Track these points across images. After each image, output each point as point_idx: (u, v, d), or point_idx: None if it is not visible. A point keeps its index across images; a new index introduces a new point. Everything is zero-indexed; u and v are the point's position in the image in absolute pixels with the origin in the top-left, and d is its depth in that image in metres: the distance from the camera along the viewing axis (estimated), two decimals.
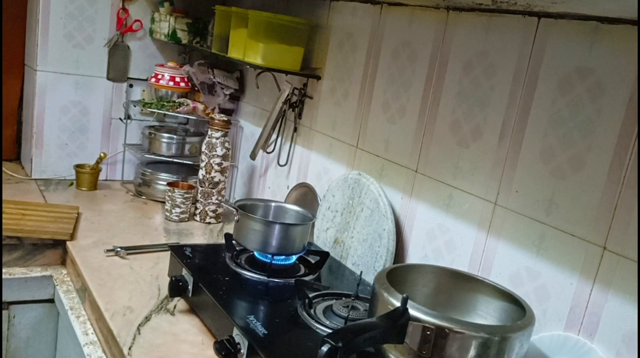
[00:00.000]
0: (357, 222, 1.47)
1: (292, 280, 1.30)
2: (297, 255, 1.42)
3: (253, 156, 1.92)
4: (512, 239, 1.16)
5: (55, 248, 1.63)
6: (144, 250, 1.61)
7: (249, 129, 2.09)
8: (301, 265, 1.44)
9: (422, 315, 0.90)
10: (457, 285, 1.13)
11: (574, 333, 1.04)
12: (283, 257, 1.39)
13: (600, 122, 1.01)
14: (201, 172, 1.87)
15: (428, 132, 1.36)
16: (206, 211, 1.89)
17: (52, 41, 2.02)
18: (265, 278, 1.32)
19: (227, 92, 2.08)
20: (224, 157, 1.85)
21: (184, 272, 1.31)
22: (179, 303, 1.33)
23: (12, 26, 2.14)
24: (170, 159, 2.09)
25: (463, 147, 1.27)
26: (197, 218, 1.90)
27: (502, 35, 1.19)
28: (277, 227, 1.38)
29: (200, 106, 2.06)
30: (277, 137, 1.88)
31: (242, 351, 1.06)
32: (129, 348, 1.14)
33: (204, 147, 1.86)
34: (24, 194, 1.91)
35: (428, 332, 0.89)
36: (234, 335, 1.09)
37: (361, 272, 1.36)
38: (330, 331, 1.03)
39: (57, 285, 1.55)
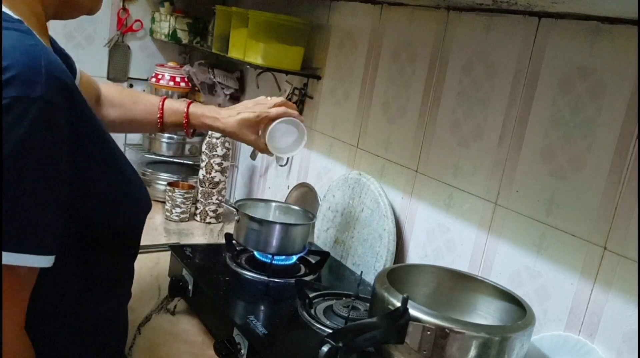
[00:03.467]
0: (358, 222, 1.47)
1: (293, 280, 1.30)
2: (298, 255, 1.42)
3: (253, 156, 1.92)
4: (513, 239, 1.16)
5: None
6: (144, 250, 1.61)
7: None
8: (301, 265, 1.44)
9: (423, 315, 0.90)
10: (457, 285, 1.13)
11: (574, 333, 1.04)
12: (283, 257, 1.39)
13: (601, 122, 1.01)
14: (201, 172, 1.87)
15: (428, 132, 1.36)
16: (206, 211, 1.89)
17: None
18: (266, 278, 1.32)
19: (228, 92, 2.08)
20: (224, 157, 1.86)
21: (184, 272, 1.31)
22: (179, 303, 1.33)
23: None
24: (171, 159, 2.09)
25: (463, 147, 1.27)
26: (198, 218, 1.90)
27: (502, 36, 1.19)
28: (277, 227, 1.38)
29: None
30: None
31: (242, 351, 1.06)
32: (129, 348, 1.14)
33: (204, 147, 1.86)
34: None
35: (428, 332, 0.89)
36: (234, 335, 1.09)
37: (361, 272, 1.36)
38: (330, 331, 1.03)
39: None
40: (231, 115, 1.21)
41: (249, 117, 1.20)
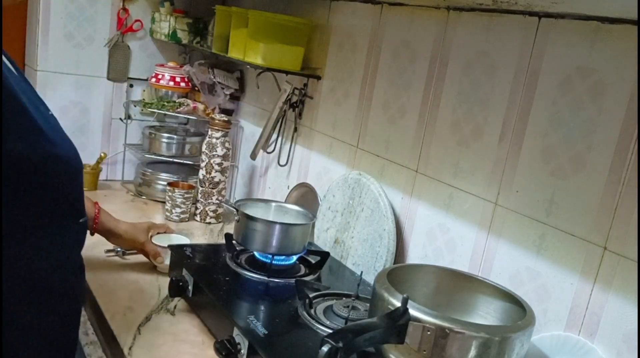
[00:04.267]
0: (358, 222, 1.47)
1: (293, 280, 1.30)
2: (298, 255, 1.42)
3: (253, 156, 1.92)
4: (513, 239, 1.16)
5: None
6: None
7: (249, 129, 2.09)
8: (301, 265, 1.44)
9: (423, 315, 0.90)
10: (457, 285, 1.13)
11: (574, 333, 1.04)
12: (283, 257, 1.39)
13: (601, 122, 1.01)
14: (201, 172, 1.87)
15: (428, 132, 1.36)
16: (206, 211, 1.89)
17: (52, 41, 2.01)
18: (266, 278, 1.32)
19: (228, 92, 2.08)
20: (224, 157, 1.85)
21: (184, 272, 1.31)
22: (179, 303, 1.33)
23: (13, 26, 2.14)
24: (171, 159, 2.09)
25: (463, 147, 1.27)
26: (198, 218, 1.90)
27: (502, 35, 1.19)
28: (277, 227, 1.37)
29: (201, 106, 2.06)
30: (278, 137, 1.88)
31: (242, 351, 1.06)
32: (129, 349, 1.14)
33: (204, 147, 1.86)
34: None
35: (428, 332, 0.89)
36: (234, 335, 1.09)
37: (361, 272, 1.36)
38: (330, 331, 1.03)
39: None
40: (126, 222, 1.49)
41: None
